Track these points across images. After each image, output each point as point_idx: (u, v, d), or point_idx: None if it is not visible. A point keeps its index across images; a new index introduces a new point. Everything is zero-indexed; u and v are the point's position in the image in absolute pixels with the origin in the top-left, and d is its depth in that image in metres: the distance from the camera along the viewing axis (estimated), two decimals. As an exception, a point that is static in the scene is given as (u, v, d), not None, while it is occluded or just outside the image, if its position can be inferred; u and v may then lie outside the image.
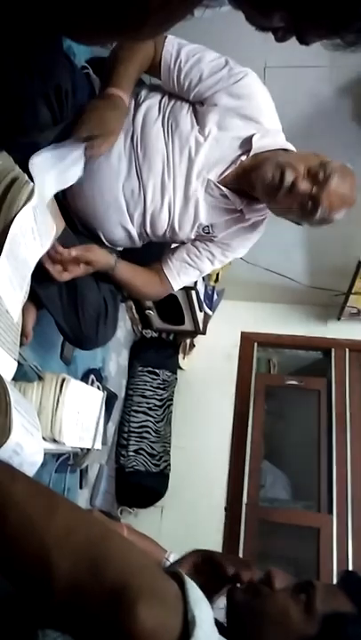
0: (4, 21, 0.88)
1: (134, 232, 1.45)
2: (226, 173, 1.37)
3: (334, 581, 1.01)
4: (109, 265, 1.41)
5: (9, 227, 0.95)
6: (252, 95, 1.33)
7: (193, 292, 2.69)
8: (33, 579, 0.57)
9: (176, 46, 1.30)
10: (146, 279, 1.53)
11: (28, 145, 1.09)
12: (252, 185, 1.35)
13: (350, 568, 2.74)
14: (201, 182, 1.37)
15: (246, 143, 1.35)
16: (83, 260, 1.31)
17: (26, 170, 1.04)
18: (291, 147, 1.39)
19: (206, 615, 0.58)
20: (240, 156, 1.36)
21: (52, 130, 1.11)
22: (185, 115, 1.33)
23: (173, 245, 1.57)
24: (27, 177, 1.04)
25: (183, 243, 1.52)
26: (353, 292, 2.89)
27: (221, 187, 1.37)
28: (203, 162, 1.35)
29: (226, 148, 1.35)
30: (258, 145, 1.34)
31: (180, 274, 1.53)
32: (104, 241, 1.47)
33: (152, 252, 1.61)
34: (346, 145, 2.21)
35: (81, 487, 2.25)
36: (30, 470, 0.90)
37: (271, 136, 1.37)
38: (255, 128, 1.35)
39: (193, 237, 1.49)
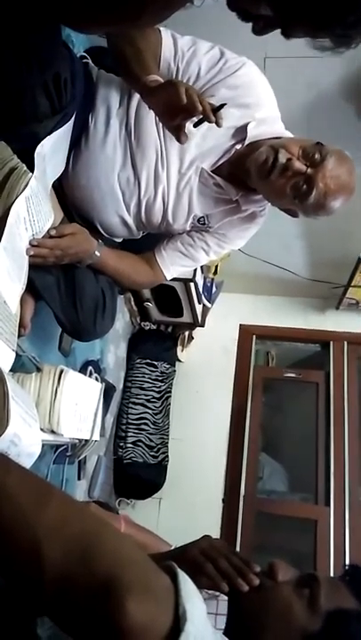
0: (3, 10, 0.87)
1: (131, 222, 1.44)
2: (220, 162, 1.36)
3: (331, 573, 1.01)
4: (88, 252, 1.34)
5: (6, 218, 0.95)
6: (250, 84, 1.31)
7: (192, 285, 2.68)
8: (24, 570, 0.56)
9: (172, 40, 1.27)
10: (134, 266, 1.51)
11: (26, 135, 1.08)
12: (247, 171, 1.32)
13: (348, 560, 2.75)
14: (194, 172, 1.36)
15: (241, 132, 1.33)
16: (62, 253, 1.24)
17: (24, 160, 1.04)
18: (289, 134, 1.37)
19: (198, 609, 0.58)
20: (235, 144, 1.34)
21: (51, 119, 1.10)
22: None
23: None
24: (25, 167, 1.03)
25: (182, 232, 1.51)
26: (352, 284, 2.88)
27: (215, 176, 1.35)
28: (195, 151, 1.33)
29: (220, 137, 1.33)
30: (253, 133, 1.32)
31: (174, 263, 1.52)
32: (102, 232, 1.46)
33: (151, 243, 1.60)
34: (346, 136, 2.20)
35: (79, 478, 2.26)
36: (28, 461, 0.90)
37: (268, 124, 1.35)
38: (251, 117, 1.32)
39: (188, 229, 1.48)
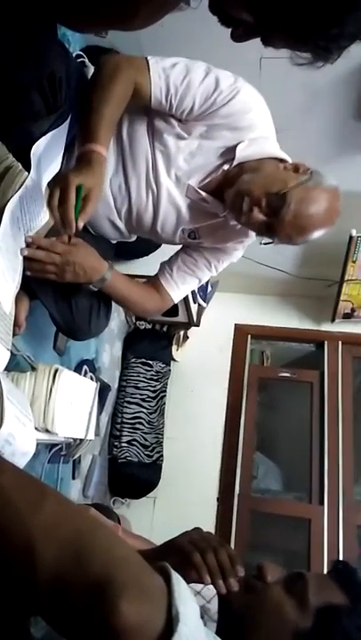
0: (0, 8, 0.87)
1: (123, 227, 1.44)
2: (207, 180, 1.35)
3: (325, 571, 1.02)
4: (96, 271, 1.31)
5: (0, 217, 0.95)
6: (244, 110, 1.28)
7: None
8: (18, 571, 0.56)
9: (163, 77, 1.22)
10: (144, 294, 1.49)
11: (21, 134, 1.08)
12: None
13: (341, 559, 2.76)
14: (182, 187, 1.35)
15: (230, 152, 1.31)
16: (61, 259, 1.20)
17: (20, 158, 1.04)
18: (281, 154, 1.34)
19: (192, 611, 0.58)
20: (222, 164, 1.32)
21: (46, 119, 1.09)
22: (170, 121, 1.29)
23: (168, 258, 1.55)
24: (20, 166, 1.03)
25: (171, 243, 1.50)
26: (346, 279, 2.88)
27: (201, 192, 1.34)
28: (183, 167, 1.33)
29: (209, 155, 1.32)
30: (242, 154, 1.30)
31: (179, 284, 1.51)
32: (92, 232, 1.46)
33: (147, 244, 1.60)
34: (341, 136, 2.22)
35: (74, 478, 2.26)
36: (22, 460, 0.90)
37: (258, 144, 1.32)
38: (243, 138, 1.30)
39: (178, 241, 1.47)
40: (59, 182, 1.04)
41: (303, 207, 1.22)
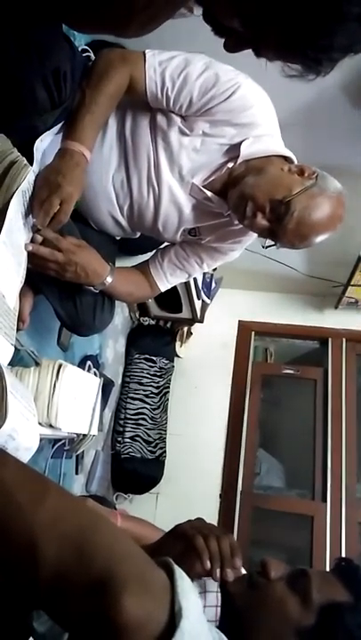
0: (5, 2, 0.87)
1: (125, 224, 1.44)
2: (212, 179, 1.33)
3: (328, 568, 1.02)
4: (98, 275, 1.31)
5: (5, 211, 0.95)
6: (245, 106, 1.26)
7: (191, 280, 2.68)
8: (19, 565, 0.56)
9: (159, 70, 1.20)
10: (136, 285, 1.50)
11: (26, 128, 1.08)
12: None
13: (343, 556, 2.76)
14: (185, 185, 1.34)
15: (234, 150, 1.29)
16: (64, 258, 1.20)
17: (24, 153, 1.03)
18: (287, 152, 1.32)
19: (194, 606, 0.57)
20: (227, 162, 1.31)
21: (51, 114, 1.09)
22: (172, 117, 1.28)
23: (163, 246, 1.54)
24: (25, 160, 1.03)
25: (173, 242, 1.49)
26: (352, 283, 2.88)
27: (206, 191, 1.33)
28: (187, 164, 1.31)
29: (213, 152, 1.30)
30: (247, 152, 1.28)
31: (168, 275, 1.52)
32: (94, 227, 1.45)
33: (153, 239, 1.60)
34: (347, 131, 2.20)
35: (77, 473, 2.26)
36: (26, 455, 0.90)
37: (262, 142, 1.30)
38: (247, 135, 1.29)
39: (179, 240, 1.47)
40: (58, 192, 1.06)
41: (307, 215, 1.21)
